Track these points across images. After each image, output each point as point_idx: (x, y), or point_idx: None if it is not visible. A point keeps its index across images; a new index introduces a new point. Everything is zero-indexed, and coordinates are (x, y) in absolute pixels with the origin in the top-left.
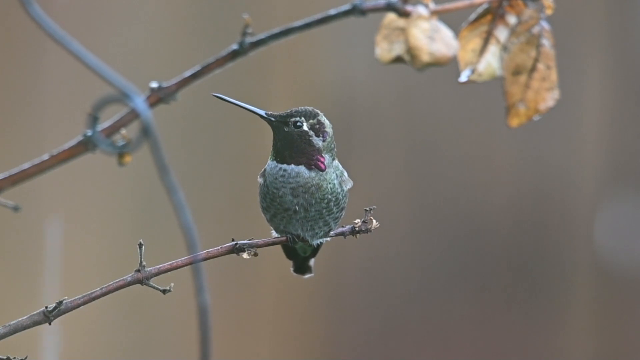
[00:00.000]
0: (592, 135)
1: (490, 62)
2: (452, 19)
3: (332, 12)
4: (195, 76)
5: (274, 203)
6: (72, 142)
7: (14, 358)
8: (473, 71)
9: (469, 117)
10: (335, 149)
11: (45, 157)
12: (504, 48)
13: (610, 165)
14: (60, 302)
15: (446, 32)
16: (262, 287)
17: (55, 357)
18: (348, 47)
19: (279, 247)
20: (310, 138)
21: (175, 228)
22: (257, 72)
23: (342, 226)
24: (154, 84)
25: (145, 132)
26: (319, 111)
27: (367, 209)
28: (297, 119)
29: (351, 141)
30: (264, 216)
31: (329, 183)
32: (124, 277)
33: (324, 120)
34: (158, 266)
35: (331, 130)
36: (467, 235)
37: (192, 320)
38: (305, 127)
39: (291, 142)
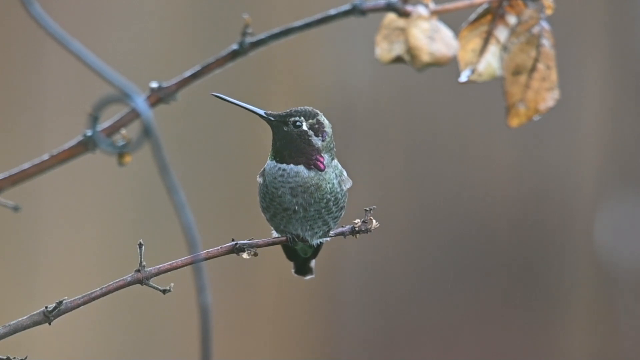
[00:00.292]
0: (592, 135)
1: (490, 62)
2: (452, 19)
3: (332, 12)
4: (195, 76)
5: (274, 203)
6: (72, 142)
7: (14, 358)
8: (473, 71)
9: (469, 117)
10: (335, 149)
11: (45, 157)
12: (504, 48)
13: (610, 165)
14: (60, 302)
15: (446, 32)
16: (262, 287)
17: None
18: (348, 47)
19: (279, 247)
20: (310, 138)
21: (176, 228)
22: (257, 72)
23: (342, 226)
24: (154, 84)
25: (146, 132)
26: (318, 111)
27: (367, 209)
28: (297, 118)
29: (351, 141)
30: (264, 216)
31: (328, 183)
32: (124, 277)
33: (324, 120)
34: (158, 266)
35: (330, 130)
36: (467, 235)
37: (192, 320)
38: (304, 127)
39: (290, 141)
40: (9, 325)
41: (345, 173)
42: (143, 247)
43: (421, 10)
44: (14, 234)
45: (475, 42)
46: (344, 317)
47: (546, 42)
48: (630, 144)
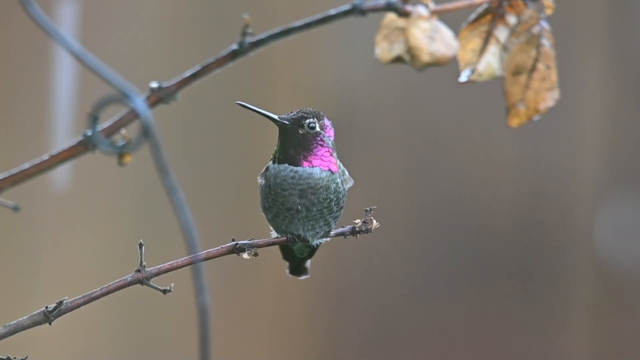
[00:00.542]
0: (592, 135)
1: (490, 62)
2: (452, 19)
3: (332, 12)
4: (195, 76)
5: (276, 203)
6: (72, 142)
7: (14, 358)
8: (473, 71)
9: (469, 117)
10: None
11: (45, 157)
12: (504, 48)
13: (610, 165)
14: (61, 302)
15: (446, 32)
16: (262, 287)
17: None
18: (348, 47)
19: (278, 248)
20: (323, 139)
21: (176, 228)
22: (257, 72)
23: (342, 226)
24: (154, 84)
25: (145, 132)
26: (321, 111)
27: (367, 209)
28: (311, 120)
29: (351, 141)
30: (266, 216)
31: (333, 182)
32: (124, 277)
33: (328, 120)
34: (158, 266)
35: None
36: (467, 235)
37: (193, 320)
38: (317, 128)
39: (305, 143)
40: (9, 325)
41: (347, 172)
42: (143, 247)
43: (421, 10)
44: (14, 234)
45: (475, 42)
46: (344, 317)
47: (546, 42)
48: (630, 144)
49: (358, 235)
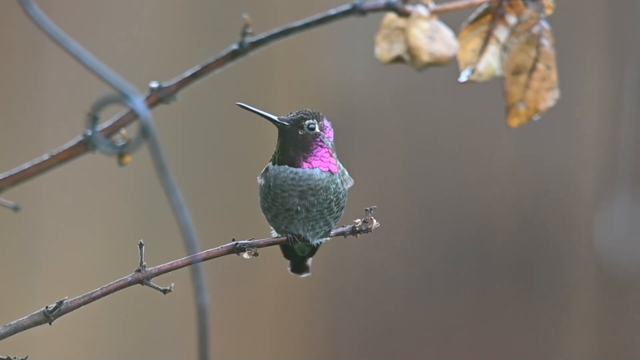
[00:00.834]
0: (592, 135)
1: (490, 62)
2: (452, 19)
3: (332, 12)
4: (195, 76)
5: (276, 204)
6: (72, 142)
7: (14, 358)
8: (473, 71)
9: (469, 117)
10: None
11: (45, 157)
12: (504, 48)
13: (610, 165)
14: (61, 302)
15: (446, 32)
16: (262, 287)
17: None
18: (348, 47)
19: (279, 246)
20: (323, 140)
21: (176, 228)
22: (257, 72)
23: (343, 226)
24: (154, 84)
25: (144, 132)
26: (320, 112)
27: (367, 208)
28: (310, 121)
29: (351, 141)
30: (265, 216)
31: (333, 183)
32: (124, 277)
33: (328, 121)
34: (158, 266)
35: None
36: (467, 235)
37: (193, 320)
38: (317, 130)
39: (305, 145)
40: (9, 325)
41: (346, 172)
42: (143, 247)
43: (421, 10)
44: (14, 234)
45: (475, 42)
46: (344, 317)
47: (546, 42)
48: (630, 144)
49: (358, 234)
